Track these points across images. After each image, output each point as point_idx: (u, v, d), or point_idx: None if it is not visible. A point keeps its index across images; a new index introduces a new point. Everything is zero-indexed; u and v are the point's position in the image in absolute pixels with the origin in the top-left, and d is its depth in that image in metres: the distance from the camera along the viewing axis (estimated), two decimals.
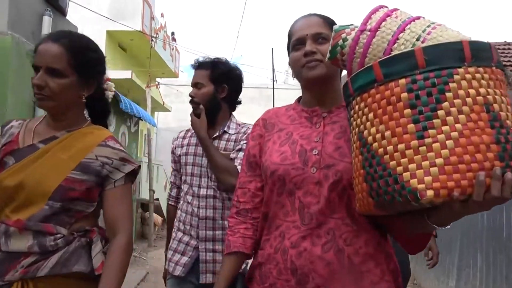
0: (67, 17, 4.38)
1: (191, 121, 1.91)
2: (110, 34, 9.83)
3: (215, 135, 1.91)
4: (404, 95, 0.82)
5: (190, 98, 1.96)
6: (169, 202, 2.13)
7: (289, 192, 1.10)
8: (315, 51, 1.13)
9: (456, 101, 0.80)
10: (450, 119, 0.79)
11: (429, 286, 4.25)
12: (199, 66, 1.97)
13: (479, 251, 3.52)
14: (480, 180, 0.77)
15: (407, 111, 0.82)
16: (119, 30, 9.64)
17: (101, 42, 9.41)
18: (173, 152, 2.04)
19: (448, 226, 0.95)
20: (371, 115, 0.88)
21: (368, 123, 0.88)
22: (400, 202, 0.81)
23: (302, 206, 1.08)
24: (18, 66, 3.49)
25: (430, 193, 0.78)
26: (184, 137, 2.07)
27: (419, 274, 4.66)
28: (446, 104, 0.80)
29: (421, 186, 0.78)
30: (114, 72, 9.07)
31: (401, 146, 0.82)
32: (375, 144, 0.86)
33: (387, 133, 0.84)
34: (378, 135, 0.86)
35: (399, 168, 0.81)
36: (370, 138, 0.88)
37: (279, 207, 1.12)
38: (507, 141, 0.80)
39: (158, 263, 6.05)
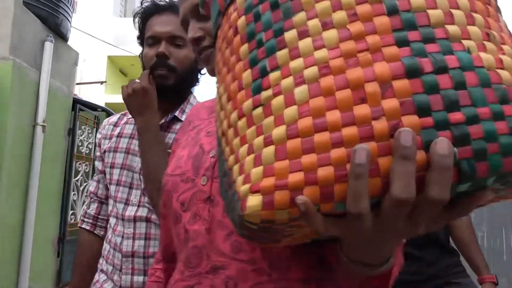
0: (69, 42, 4.44)
1: (129, 94, 1.20)
2: (111, 60, 9.98)
3: (160, 123, 1.26)
4: (242, 20, 0.44)
5: (157, 58, 1.25)
6: (82, 226, 1.43)
7: (175, 217, 0.72)
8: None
9: (321, 4, 0.39)
10: (306, 43, 0.38)
11: None
12: (175, 8, 1.27)
13: None
14: (357, 160, 0.33)
15: (244, 47, 0.43)
16: (120, 56, 9.79)
17: (102, 67, 9.54)
18: (99, 145, 1.39)
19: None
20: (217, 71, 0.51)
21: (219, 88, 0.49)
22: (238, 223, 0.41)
23: (186, 238, 0.67)
24: (19, 91, 3.51)
25: (254, 202, 0.37)
26: (116, 124, 1.40)
27: None
28: (300, 15, 0.39)
29: (245, 188, 0.38)
30: (114, 96, 9.16)
31: (233, 116, 0.43)
32: (218, 122, 0.49)
33: (224, 98, 0.46)
34: (220, 103, 0.48)
35: (230, 158, 0.43)
36: (218, 110, 0.50)
37: (177, 240, 0.73)
38: (440, 68, 0.35)
39: None
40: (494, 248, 3.17)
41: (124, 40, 9.84)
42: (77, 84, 4.64)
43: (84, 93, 4.80)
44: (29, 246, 3.53)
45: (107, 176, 1.33)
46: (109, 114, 5.64)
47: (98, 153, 1.40)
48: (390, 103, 0.35)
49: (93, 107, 5.26)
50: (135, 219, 1.21)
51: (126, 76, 11.31)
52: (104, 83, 8.66)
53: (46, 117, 3.77)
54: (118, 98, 9.14)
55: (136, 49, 10.42)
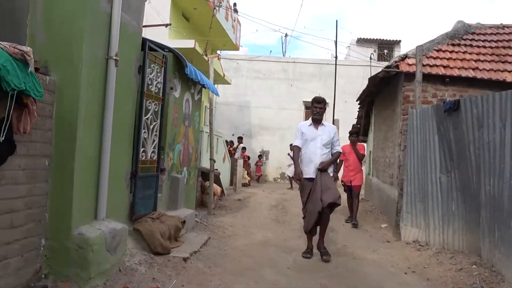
0: None
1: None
2: (174, 2, 9.79)
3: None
4: None
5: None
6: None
7: None
8: None
9: None
10: None
11: (509, 274, 3.78)
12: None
13: None
14: None
15: None
16: None
17: (166, 10, 9.41)
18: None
19: None
20: None
21: None
22: None
23: None
24: (92, 22, 3.43)
25: None
26: None
27: (497, 259, 4.18)
28: None
29: None
30: (178, 41, 9.05)
31: None
32: None
33: None
34: None
35: None
36: None
37: None
38: None
39: (218, 230, 6.03)
40: None
41: None
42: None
43: (147, 37, 4.72)
44: (106, 179, 3.60)
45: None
46: (176, 55, 5.53)
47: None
48: None
49: (160, 46, 5.15)
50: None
51: (188, 21, 11.15)
52: (169, 26, 8.57)
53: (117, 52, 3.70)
54: (181, 43, 9.02)
55: None
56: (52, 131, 3.19)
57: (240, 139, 16.37)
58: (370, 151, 11.47)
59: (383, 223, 7.30)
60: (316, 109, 5.09)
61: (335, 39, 16.40)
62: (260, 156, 17.82)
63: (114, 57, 3.68)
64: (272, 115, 18.35)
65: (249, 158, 16.45)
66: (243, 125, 18.64)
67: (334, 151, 5.12)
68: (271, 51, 28.91)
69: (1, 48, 2.53)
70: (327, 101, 5.63)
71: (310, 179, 4.94)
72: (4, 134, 2.48)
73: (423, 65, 6.55)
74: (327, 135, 5.06)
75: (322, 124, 5.15)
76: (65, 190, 3.21)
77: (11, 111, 2.52)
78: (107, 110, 3.62)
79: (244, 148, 16.09)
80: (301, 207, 5.20)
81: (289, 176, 14.79)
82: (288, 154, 15.02)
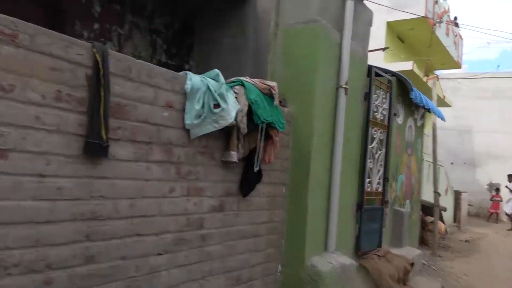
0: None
1: None
2: (390, 25, 9.45)
3: None
4: None
5: None
6: None
7: None
8: None
9: None
10: None
11: None
12: None
13: None
14: None
15: None
16: (399, 20, 9.14)
17: (381, 34, 9.16)
18: None
19: None
20: None
21: None
22: None
23: None
24: (325, 53, 3.47)
25: None
26: None
27: None
28: None
29: None
30: (394, 64, 8.63)
31: None
32: None
33: None
34: None
35: None
36: None
37: None
38: None
39: (450, 277, 5.16)
40: None
41: (405, 2, 9.12)
42: None
43: None
44: (335, 209, 3.51)
45: None
46: (400, 78, 5.17)
47: None
48: None
49: (384, 71, 4.89)
50: None
51: (403, 43, 10.59)
52: (386, 50, 8.28)
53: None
54: (398, 66, 8.55)
55: (416, 11, 9.43)
56: (289, 160, 3.32)
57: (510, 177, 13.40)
58: None
59: None
60: None
61: None
62: (497, 190, 14.54)
63: (344, 86, 3.62)
64: (502, 140, 15.39)
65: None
66: (463, 153, 16.29)
67: None
68: (498, 65, 24.71)
69: (253, 84, 2.75)
70: None
71: None
72: (258, 164, 2.66)
73: None
74: None
75: None
76: (299, 218, 3.26)
77: (261, 142, 2.70)
78: (336, 138, 3.56)
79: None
80: None
81: (507, 214, 11.98)
82: (506, 186, 12.14)
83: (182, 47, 4.16)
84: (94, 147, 1.85)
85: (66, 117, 1.78)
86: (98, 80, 1.86)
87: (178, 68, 3.75)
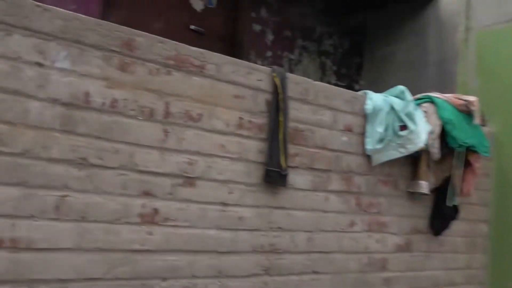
0: None
1: None
2: None
3: None
4: None
5: None
6: None
7: None
8: None
9: None
10: None
11: None
12: None
13: None
14: None
15: None
16: None
17: None
18: None
19: None
20: None
21: None
22: None
23: None
24: None
25: None
26: None
27: None
28: None
29: None
30: None
31: None
32: None
33: None
34: None
35: None
36: None
37: None
38: None
39: None
40: None
41: None
42: None
43: None
44: None
45: None
46: None
47: None
48: None
49: None
50: None
51: None
52: None
53: None
54: None
55: None
56: (491, 192, 2.69)
57: None
58: None
59: None
60: None
61: None
62: None
63: None
64: None
65: None
66: None
67: None
68: None
69: (445, 100, 2.32)
70: None
71: None
72: (454, 197, 2.20)
73: None
74: None
75: None
76: (506, 265, 2.59)
77: (459, 170, 2.22)
78: None
79: None
80: None
81: None
82: None
83: (351, 67, 3.96)
84: (274, 176, 1.75)
85: (247, 145, 1.74)
86: (277, 104, 1.78)
87: (348, 89, 3.56)
